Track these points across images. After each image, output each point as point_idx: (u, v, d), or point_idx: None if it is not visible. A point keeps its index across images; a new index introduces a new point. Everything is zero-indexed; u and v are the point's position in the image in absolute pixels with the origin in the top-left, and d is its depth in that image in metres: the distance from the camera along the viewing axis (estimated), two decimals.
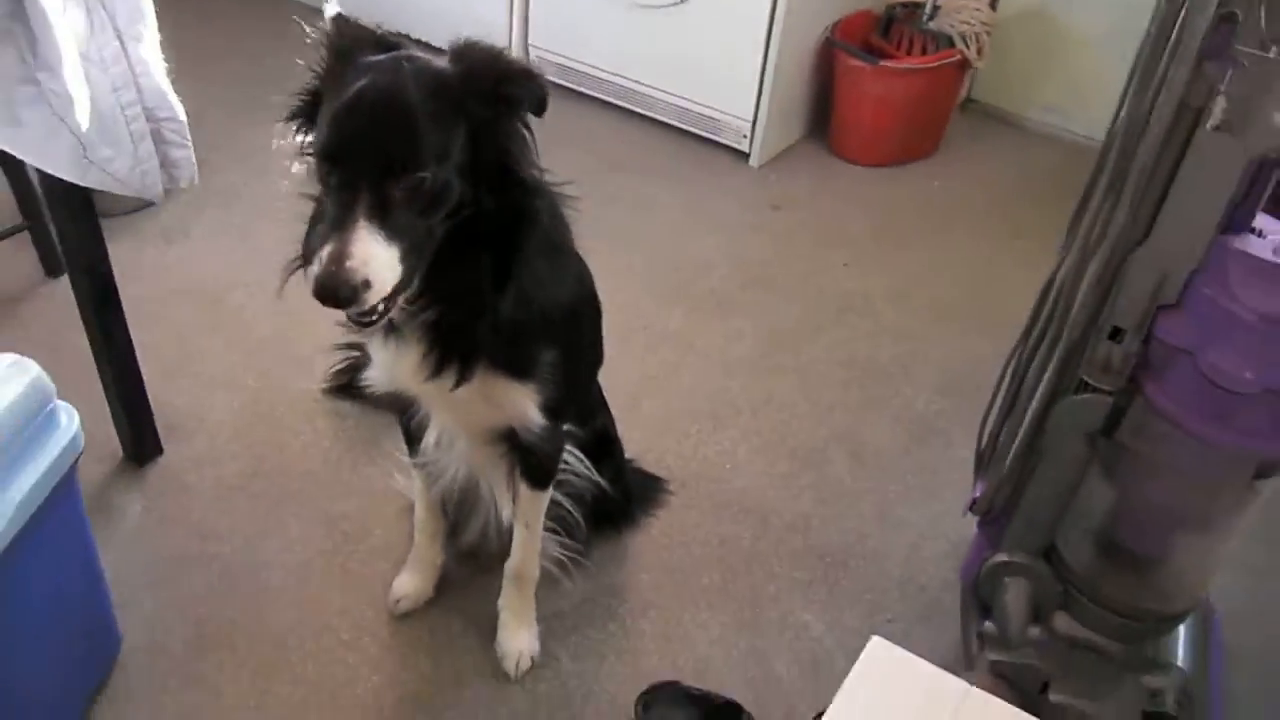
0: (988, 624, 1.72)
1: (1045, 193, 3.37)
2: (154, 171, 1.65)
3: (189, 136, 1.69)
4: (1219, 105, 1.27)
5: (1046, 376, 1.56)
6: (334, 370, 2.27)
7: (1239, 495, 1.52)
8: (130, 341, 1.95)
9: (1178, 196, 1.36)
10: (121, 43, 1.54)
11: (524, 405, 1.51)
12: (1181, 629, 1.75)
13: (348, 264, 1.13)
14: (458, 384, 1.42)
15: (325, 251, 1.15)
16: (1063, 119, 3.69)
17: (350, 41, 1.25)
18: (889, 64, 3.25)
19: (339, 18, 1.28)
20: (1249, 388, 1.35)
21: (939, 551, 2.08)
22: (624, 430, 2.06)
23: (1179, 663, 1.75)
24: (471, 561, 1.94)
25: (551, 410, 1.55)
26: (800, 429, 2.32)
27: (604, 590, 1.93)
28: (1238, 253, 1.36)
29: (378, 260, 1.15)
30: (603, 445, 1.94)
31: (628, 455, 2.07)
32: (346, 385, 2.24)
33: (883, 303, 2.77)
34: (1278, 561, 2.08)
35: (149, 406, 2.03)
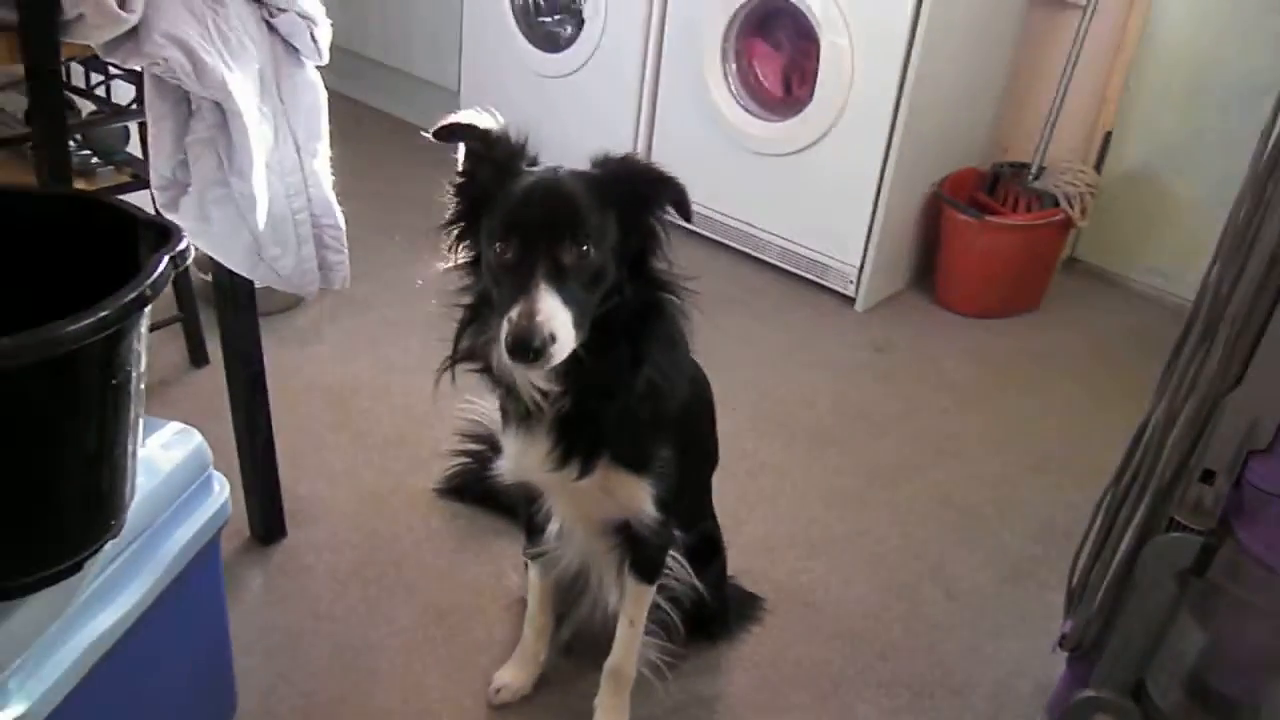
0: None
1: (1145, 351, 3.38)
2: (312, 272, 1.81)
3: (345, 243, 1.87)
4: None
5: (1138, 515, 1.61)
6: (450, 472, 2.40)
7: None
8: (271, 429, 2.10)
9: (1270, 345, 1.42)
10: (299, 155, 1.72)
11: (640, 498, 1.62)
12: None
13: (538, 319, 1.27)
14: (581, 475, 1.54)
15: (515, 310, 1.29)
16: (1165, 280, 3.74)
17: (508, 153, 1.45)
18: (994, 219, 3.37)
19: (498, 133, 1.45)
20: None
21: (1026, 690, 2.09)
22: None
23: None
24: (572, 659, 2.01)
25: (664, 503, 1.65)
26: (893, 562, 2.37)
27: (695, 700, 1.98)
28: None
29: (560, 318, 1.29)
30: (706, 552, 2.01)
31: (728, 572, 2.14)
32: (459, 487, 2.37)
33: (980, 447, 2.83)
34: None
35: (279, 490, 2.18)
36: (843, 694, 2.03)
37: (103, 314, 1.11)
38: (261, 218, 1.66)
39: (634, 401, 1.50)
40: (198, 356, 2.69)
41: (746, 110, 3.46)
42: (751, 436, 2.74)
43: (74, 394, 1.18)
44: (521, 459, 1.61)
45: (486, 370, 1.53)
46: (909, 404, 3.00)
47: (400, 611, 2.09)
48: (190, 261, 1.27)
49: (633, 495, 1.62)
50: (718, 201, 3.64)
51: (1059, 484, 2.70)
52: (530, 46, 3.86)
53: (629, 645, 1.85)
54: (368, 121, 4.40)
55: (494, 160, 1.43)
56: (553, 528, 1.80)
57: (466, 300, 1.52)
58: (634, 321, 1.46)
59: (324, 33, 1.71)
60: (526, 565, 1.93)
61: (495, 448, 2.29)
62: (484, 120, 1.44)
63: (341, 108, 4.54)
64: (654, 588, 1.82)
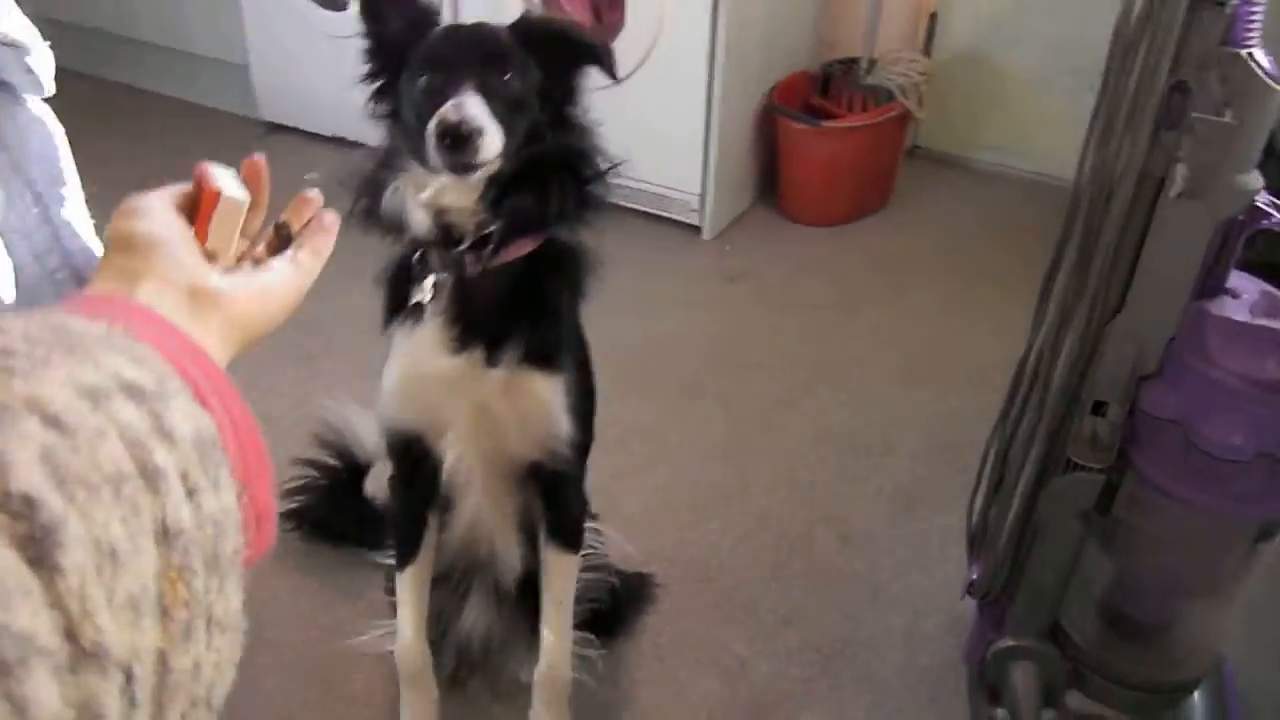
0: (999, 710, 1.66)
1: (999, 232, 3.36)
2: None
3: None
4: (1180, 173, 1.24)
5: (1033, 455, 1.51)
6: (287, 490, 2.08)
7: (1242, 560, 1.47)
8: None
9: (1148, 265, 1.33)
10: (42, 207, 1.47)
11: (553, 406, 1.45)
12: (1197, 691, 1.70)
13: (467, 111, 1.24)
14: (490, 362, 1.41)
15: (443, 109, 1.24)
16: (1007, 156, 3.70)
17: (421, 9, 1.40)
18: (831, 124, 3.24)
19: None
20: (1240, 455, 1.31)
21: (938, 627, 2.01)
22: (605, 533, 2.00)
23: None
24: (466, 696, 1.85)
25: (579, 419, 1.50)
26: (783, 514, 2.26)
27: (598, 711, 1.85)
28: (1214, 317, 1.33)
29: (486, 118, 1.25)
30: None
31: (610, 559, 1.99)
32: (299, 511, 2.10)
33: (850, 369, 2.73)
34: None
35: None
36: (751, 673, 1.92)
37: None
38: (8, 290, 1.41)
39: (550, 267, 1.43)
40: None
41: None
42: (614, 399, 2.54)
43: None
44: (416, 354, 1.43)
45: (394, 228, 1.41)
46: (771, 333, 2.88)
47: (264, 673, 1.89)
48: None
49: (547, 403, 1.45)
50: None
51: (936, 394, 2.63)
52: (315, 6, 3.54)
53: (561, 634, 1.66)
54: (156, 111, 4.04)
55: (408, 16, 1.39)
56: (445, 472, 1.52)
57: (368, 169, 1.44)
58: (558, 168, 1.40)
59: (42, 59, 1.44)
60: (393, 604, 1.72)
61: (354, 470, 2.10)
62: None
63: (120, 100, 4.25)
64: (579, 558, 1.64)
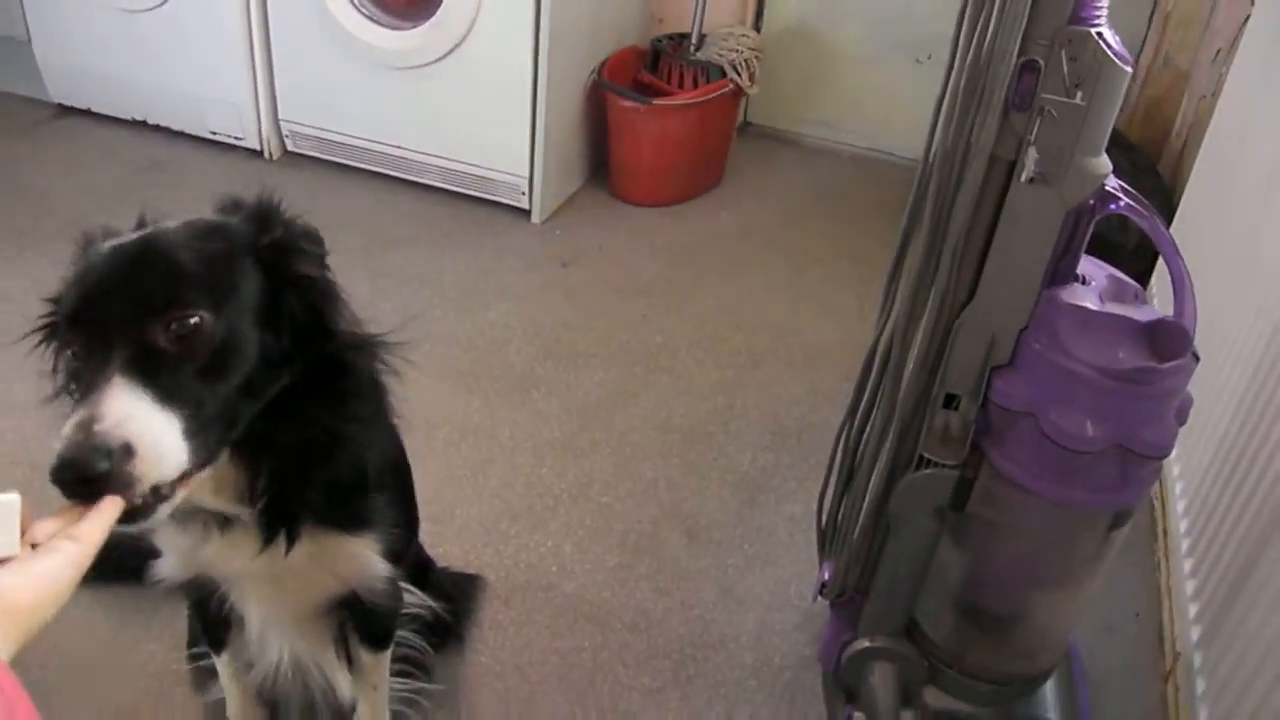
0: (857, 713, 1.61)
1: (832, 208, 3.35)
2: None
3: None
4: (1031, 157, 1.18)
5: (884, 451, 1.45)
6: None
7: (1096, 548, 1.44)
8: None
9: (999, 254, 1.27)
10: None
11: (366, 560, 1.29)
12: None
13: (96, 427, 0.86)
14: (288, 549, 1.17)
15: (70, 423, 0.88)
16: (833, 131, 3.71)
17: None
18: (662, 102, 3.15)
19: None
20: (1094, 445, 1.27)
21: (789, 624, 1.95)
22: (439, 543, 1.90)
23: (1049, 714, 1.68)
24: None
25: (397, 555, 1.35)
26: (626, 511, 2.16)
27: None
28: (1065, 305, 1.28)
29: (142, 421, 0.89)
30: (420, 567, 1.76)
31: (442, 565, 1.89)
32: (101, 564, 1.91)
33: (689, 355, 2.65)
34: (1119, 572, 2.04)
35: None
36: (599, 684, 1.82)
37: None
38: None
39: (336, 466, 1.16)
40: None
41: (373, 20, 3.05)
42: (445, 397, 2.45)
43: None
44: (192, 551, 1.21)
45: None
46: (607, 320, 2.77)
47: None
48: None
49: (358, 560, 1.29)
50: (361, 128, 3.24)
51: (776, 377, 2.57)
52: None
53: (378, 708, 1.57)
54: None
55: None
56: (249, 630, 1.39)
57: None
58: (322, 393, 1.10)
59: None
60: (197, 670, 1.58)
61: None
62: None
63: None
64: (390, 649, 1.54)
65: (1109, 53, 1.13)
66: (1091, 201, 1.24)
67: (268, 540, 1.17)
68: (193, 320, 0.95)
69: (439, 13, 2.92)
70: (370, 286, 2.77)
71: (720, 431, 2.40)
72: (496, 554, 2.04)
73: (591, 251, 3.07)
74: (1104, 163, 1.22)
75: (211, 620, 1.44)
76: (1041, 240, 1.24)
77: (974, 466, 1.38)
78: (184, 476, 0.94)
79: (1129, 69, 1.16)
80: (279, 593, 1.33)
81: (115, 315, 0.94)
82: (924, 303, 1.34)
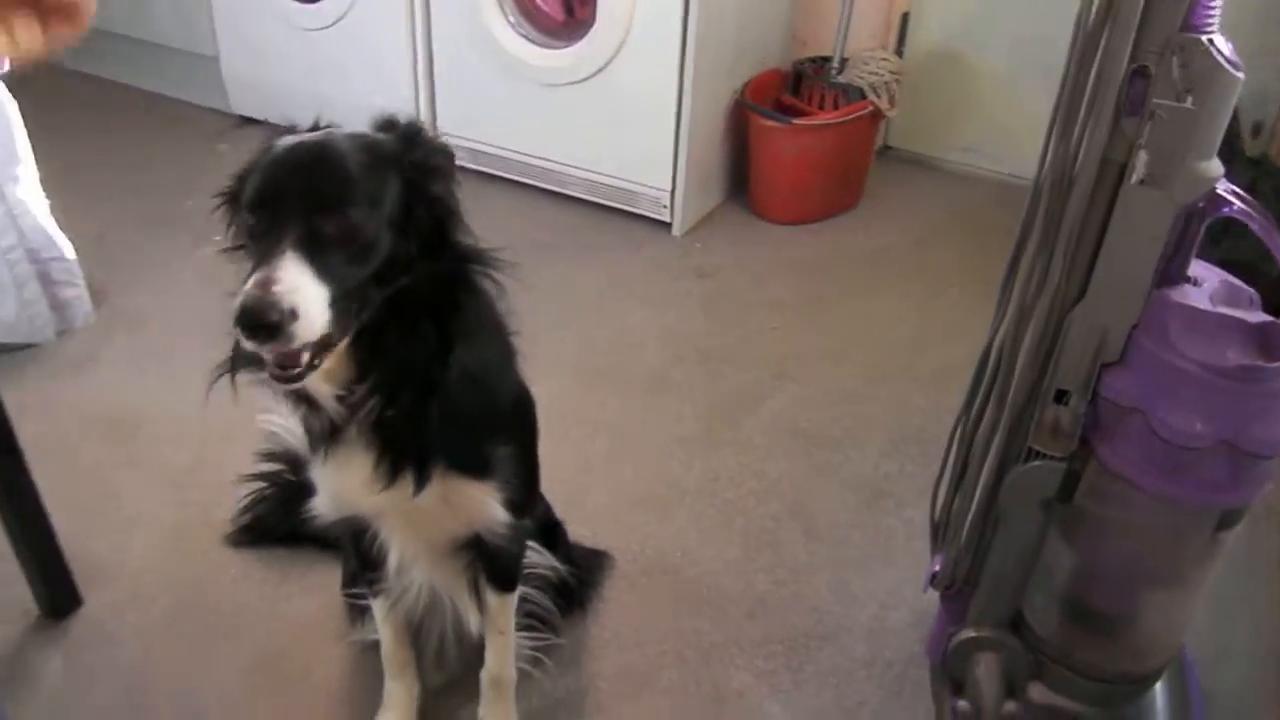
0: (961, 703, 1.66)
1: (969, 233, 3.37)
2: (43, 314, 1.56)
3: (80, 274, 1.61)
4: (1141, 159, 1.24)
5: (995, 445, 1.51)
6: (240, 510, 2.12)
7: (1204, 548, 1.47)
8: (34, 489, 1.82)
9: (1110, 253, 1.32)
10: None
11: (489, 506, 1.43)
12: (1159, 684, 1.69)
13: (274, 288, 1.06)
14: (418, 489, 1.33)
15: (251, 280, 1.07)
16: (979, 157, 3.71)
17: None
18: (801, 122, 3.24)
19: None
20: (1201, 441, 1.31)
21: (902, 622, 2.01)
22: (572, 528, 1.99)
23: None
24: (443, 685, 1.83)
25: (516, 506, 1.48)
26: (749, 507, 2.25)
27: (557, 703, 1.83)
28: (1176, 305, 1.32)
29: (306, 292, 1.08)
30: (549, 529, 1.88)
31: (573, 540, 2.01)
32: (255, 525, 2.10)
33: (818, 365, 2.73)
34: (1243, 594, 2.04)
35: (61, 555, 1.90)
36: (714, 665, 1.90)
37: None
38: None
39: (455, 393, 1.29)
40: None
41: (529, 40, 3.23)
42: (581, 394, 2.57)
43: None
44: (341, 488, 1.39)
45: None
46: (741, 329, 2.87)
47: (224, 666, 1.86)
48: None
49: (481, 504, 1.43)
50: (512, 140, 3.42)
51: (902, 391, 2.62)
52: None
53: (503, 653, 1.70)
54: (119, 101, 3.98)
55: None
56: (391, 561, 1.56)
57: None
58: (436, 301, 1.25)
59: None
60: (351, 606, 1.72)
61: (297, 467, 2.06)
62: None
63: (81, 89, 4.19)
64: (517, 593, 1.66)
65: (1220, 59, 1.18)
66: (1202, 204, 1.29)
67: (393, 476, 1.32)
68: (353, 217, 1.14)
69: (591, 33, 3.08)
70: (513, 289, 2.92)
71: (845, 437, 2.47)
72: (624, 540, 2.14)
73: (728, 264, 3.17)
74: (1215, 166, 1.26)
75: (363, 557, 1.60)
76: (1152, 239, 1.29)
77: (1082, 460, 1.42)
78: (325, 346, 1.14)
79: (1241, 75, 1.20)
80: (415, 529, 1.49)
81: (294, 202, 1.13)
82: (1036, 301, 1.40)
